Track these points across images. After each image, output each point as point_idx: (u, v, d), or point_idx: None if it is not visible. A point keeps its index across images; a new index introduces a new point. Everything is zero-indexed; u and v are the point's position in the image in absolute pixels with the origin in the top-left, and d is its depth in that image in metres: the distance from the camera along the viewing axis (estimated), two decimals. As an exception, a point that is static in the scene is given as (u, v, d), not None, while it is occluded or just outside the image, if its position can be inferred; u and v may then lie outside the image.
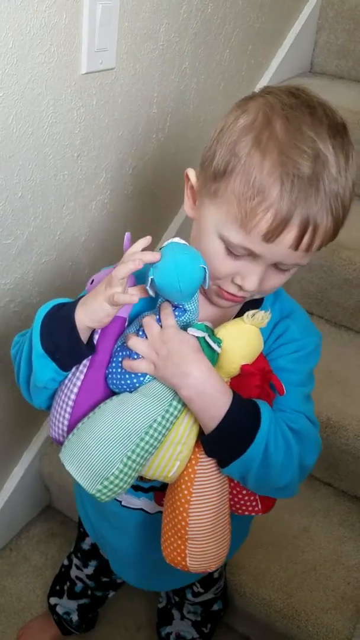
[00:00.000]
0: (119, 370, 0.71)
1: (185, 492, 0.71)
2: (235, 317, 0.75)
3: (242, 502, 0.76)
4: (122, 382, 0.70)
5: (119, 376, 0.71)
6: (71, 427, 0.73)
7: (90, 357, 0.73)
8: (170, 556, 0.74)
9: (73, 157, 1.11)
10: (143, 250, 0.68)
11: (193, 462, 0.71)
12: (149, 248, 0.68)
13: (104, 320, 0.69)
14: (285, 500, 0.80)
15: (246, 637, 1.27)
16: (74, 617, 1.23)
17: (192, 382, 0.66)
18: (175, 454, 0.71)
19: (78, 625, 1.23)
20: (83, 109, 1.08)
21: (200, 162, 0.70)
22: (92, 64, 1.04)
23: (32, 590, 1.35)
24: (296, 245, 0.63)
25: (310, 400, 0.78)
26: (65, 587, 1.23)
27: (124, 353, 0.70)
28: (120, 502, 0.86)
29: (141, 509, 0.85)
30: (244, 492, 0.76)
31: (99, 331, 0.73)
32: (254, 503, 0.77)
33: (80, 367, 0.73)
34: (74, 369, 0.74)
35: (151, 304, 0.72)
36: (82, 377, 0.73)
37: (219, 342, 0.68)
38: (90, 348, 0.72)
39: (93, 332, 0.73)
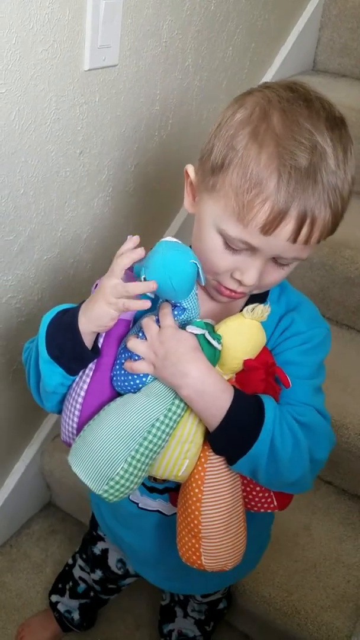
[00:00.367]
0: (122, 372, 0.71)
1: (197, 490, 0.71)
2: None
3: (256, 499, 0.76)
4: (126, 383, 0.71)
5: (122, 378, 0.71)
6: (80, 430, 0.74)
7: (96, 360, 0.74)
8: (185, 555, 0.74)
9: (75, 154, 1.10)
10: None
11: (202, 460, 0.71)
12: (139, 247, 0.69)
13: (109, 324, 0.70)
14: (285, 498, 0.80)
15: (246, 635, 1.27)
16: (75, 616, 1.23)
17: (191, 382, 0.66)
18: (184, 452, 0.71)
19: (79, 623, 1.23)
20: (86, 105, 1.07)
21: (199, 157, 0.70)
22: (95, 61, 1.04)
23: (32, 586, 1.35)
24: (294, 238, 0.62)
25: (320, 393, 0.77)
26: (68, 587, 1.23)
27: (126, 355, 0.70)
28: (137, 504, 0.86)
29: (158, 511, 0.85)
30: (258, 488, 0.75)
31: (104, 334, 0.73)
32: (269, 500, 0.76)
33: (87, 371, 0.74)
34: (81, 373, 0.74)
35: (154, 305, 0.72)
36: (88, 380, 0.74)
37: (218, 338, 0.68)
38: (95, 352, 0.72)
39: (98, 335, 0.73)
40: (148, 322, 0.68)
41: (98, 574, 1.14)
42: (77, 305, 0.73)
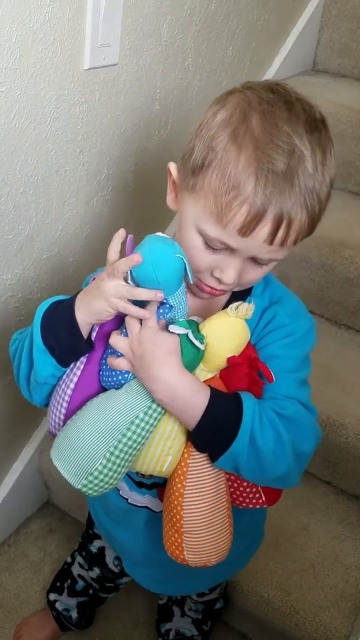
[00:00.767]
0: (106, 367, 0.72)
1: (179, 485, 0.71)
2: (222, 308, 0.76)
3: (244, 494, 0.76)
4: (109, 379, 0.72)
5: (107, 373, 0.72)
6: (66, 422, 0.74)
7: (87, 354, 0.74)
8: (170, 550, 0.74)
9: (75, 152, 1.10)
10: (122, 244, 0.69)
11: (185, 456, 0.72)
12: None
13: (107, 318, 0.71)
14: (284, 498, 0.80)
15: (244, 635, 1.27)
16: (74, 614, 1.23)
17: (161, 387, 0.66)
18: (166, 448, 0.72)
19: (77, 622, 1.23)
20: (85, 104, 1.07)
21: (182, 155, 0.70)
22: (95, 60, 1.04)
23: (30, 586, 1.35)
24: (271, 240, 0.63)
25: (306, 386, 0.77)
26: (66, 585, 1.23)
27: (110, 351, 0.72)
28: (127, 499, 0.86)
29: (146, 507, 0.85)
30: (245, 484, 0.76)
31: (97, 328, 0.74)
32: (257, 495, 0.77)
33: (78, 364, 0.74)
34: (72, 365, 0.74)
35: (143, 302, 0.73)
36: (79, 373, 0.74)
37: (201, 338, 0.68)
38: (89, 345, 0.73)
39: (91, 329, 0.73)
40: (131, 320, 0.69)
41: (96, 572, 1.14)
42: (71, 296, 0.74)
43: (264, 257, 0.66)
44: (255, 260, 0.68)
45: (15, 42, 0.89)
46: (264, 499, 0.77)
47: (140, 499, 0.85)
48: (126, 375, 0.71)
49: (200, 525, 0.72)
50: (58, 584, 1.25)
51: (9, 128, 0.94)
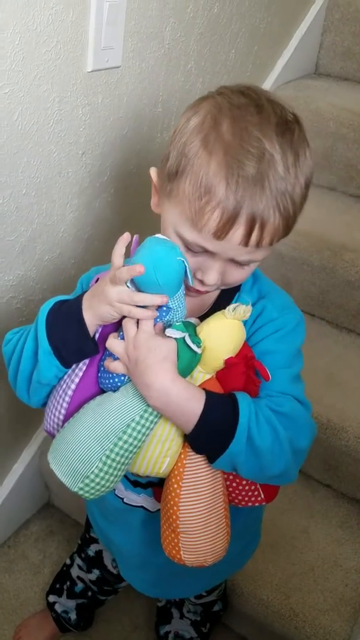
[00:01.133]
0: (103, 369, 0.73)
1: (175, 486, 0.72)
2: (213, 305, 0.78)
3: (243, 493, 0.77)
4: (106, 381, 0.72)
5: (104, 375, 0.73)
6: (65, 422, 0.74)
7: None
8: (167, 549, 0.75)
9: (78, 154, 1.11)
10: (127, 246, 0.70)
11: (182, 456, 0.72)
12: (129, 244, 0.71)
13: (112, 321, 0.71)
14: (284, 501, 0.80)
15: (243, 638, 1.27)
16: (72, 616, 1.23)
17: (155, 394, 0.67)
18: (164, 450, 0.72)
19: (76, 623, 1.23)
20: (88, 106, 1.08)
21: (160, 161, 0.72)
22: (98, 62, 1.04)
23: (30, 587, 1.35)
24: (245, 242, 0.64)
25: (299, 382, 0.78)
26: (65, 587, 1.23)
27: (108, 353, 0.72)
28: (122, 499, 0.86)
29: (142, 507, 0.85)
30: (244, 482, 0.76)
31: (100, 330, 0.74)
32: (255, 493, 0.77)
33: (80, 365, 0.74)
34: (74, 365, 0.75)
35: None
36: (80, 374, 0.74)
37: (198, 342, 0.68)
38: (95, 346, 0.73)
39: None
40: (127, 323, 0.69)
41: (95, 574, 1.14)
42: (76, 297, 0.74)
43: (242, 258, 0.67)
44: (235, 262, 0.69)
45: (18, 44, 0.89)
46: (262, 496, 0.77)
47: (136, 498, 0.85)
48: (123, 378, 0.71)
49: (196, 525, 0.72)
50: (57, 585, 1.25)
51: (12, 130, 0.95)
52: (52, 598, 1.25)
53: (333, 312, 1.51)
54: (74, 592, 1.22)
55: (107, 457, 0.68)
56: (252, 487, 0.76)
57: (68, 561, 1.24)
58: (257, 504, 0.78)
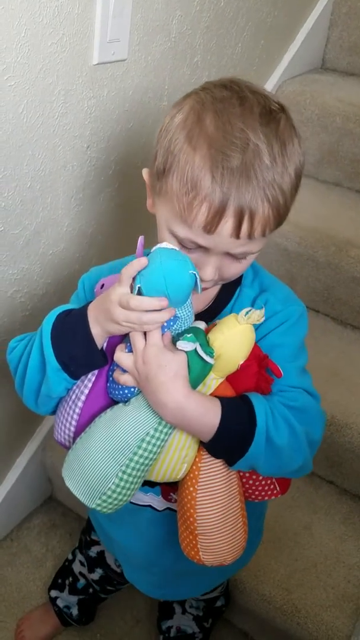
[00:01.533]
0: (112, 379, 0.72)
1: (191, 489, 0.71)
2: (214, 300, 0.77)
3: (260, 488, 0.77)
4: (116, 392, 0.71)
5: (113, 385, 0.72)
6: (78, 433, 0.74)
7: None
8: (186, 550, 0.75)
9: (83, 148, 1.10)
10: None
11: (197, 459, 0.72)
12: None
13: (120, 333, 0.70)
14: (287, 497, 0.80)
15: (245, 633, 1.27)
16: (74, 611, 1.23)
17: (170, 412, 0.67)
18: (182, 457, 0.71)
19: (78, 618, 1.24)
20: (94, 99, 1.07)
21: (150, 160, 0.71)
22: (104, 55, 1.03)
23: (32, 580, 1.35)
24: (236, 234, 0.63)
25: (306, 373, 0.78)
26: (67, 582, 1.23)
27: (116, 363, 0.71)
28: None
29: (149, 506, 0.85)
30: (260, 478, 0.76)
31: (107, 340, 0.73)
32: (272, 487, 0.77)
33: (89, 375, 0.74)
34: (83, 377, 0.74)
35: None
36: (90, 385, 0.74)
37: (211, 352, 0.67)
38: (104, 357, 0.73)
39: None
40: (134, 336, 0.68)
41: (98, 573, 1.14)
42: (79, 308, 0.73)
43: (237, 251, 0.67)
44: (231, 256, 0.68)
45: (24, 36, 0.88)
46: (278, 489, 0.78)
47: (143, 497, 0.84)
48: (133, 390, 0.70)
49: (213, 527, 0.72)
50: (59, 580, 1.25)
51: (17, 122, 0.94)
52: (54, 593, 1.25)
53: (338, 309, 1.50)
54: (76, 588, 1.22)
55: (124, 472, 0.68)
56: (269, 482, 0.77)
57: (70, 556, 1.24)
58: (273, 497, 0.78)
